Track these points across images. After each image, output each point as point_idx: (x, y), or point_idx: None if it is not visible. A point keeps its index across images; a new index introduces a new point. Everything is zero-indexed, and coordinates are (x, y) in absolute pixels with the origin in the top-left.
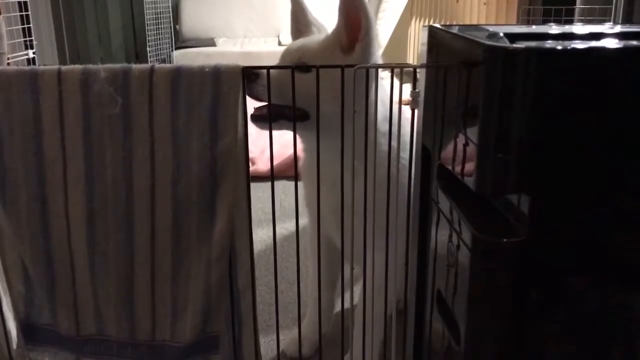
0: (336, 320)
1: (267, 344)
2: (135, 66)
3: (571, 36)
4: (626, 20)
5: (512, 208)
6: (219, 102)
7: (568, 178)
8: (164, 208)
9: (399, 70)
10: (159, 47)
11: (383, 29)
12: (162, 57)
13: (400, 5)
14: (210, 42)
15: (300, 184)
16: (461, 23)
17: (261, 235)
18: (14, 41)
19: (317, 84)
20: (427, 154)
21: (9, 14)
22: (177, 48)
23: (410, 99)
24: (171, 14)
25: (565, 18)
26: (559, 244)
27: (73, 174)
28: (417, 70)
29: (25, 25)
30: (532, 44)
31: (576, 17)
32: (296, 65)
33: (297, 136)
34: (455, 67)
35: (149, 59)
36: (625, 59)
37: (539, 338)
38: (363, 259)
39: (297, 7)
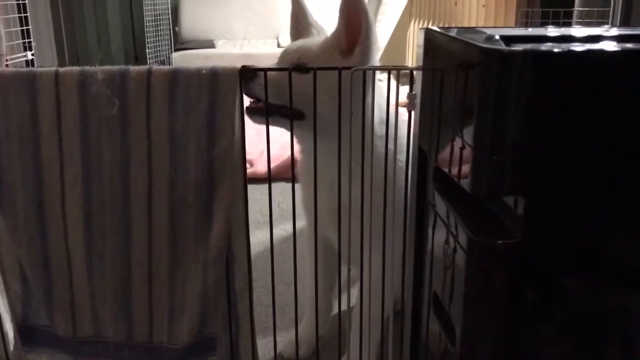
0: (334, 322)
1: (264, 346)
2: (133, 68)
3: (567, 39)
4: (624, 23)
5: (507, 210)
6: (216, 104)
7: (563, 180)
8: (161, 210)
9: (397, 72)
10: (158, 48)
11: (382, 31)
12: (162, 58)
13: (399, 8)
14: (210, 44)
15: (298, 185)
16: (460, 25)
17: (259, 237)
18: (12, 43)
19: (314, 86)
20: (423, 156)
21: (8, 16)
22: (176, 50)
23: (407, 101)
24: (170, 16)
25: (564, 20)
26: (554, 246)
27: (70, 176)
28: (414, 72)
29: (24, 27)
30: (528, 46)
31: (574, 19)
32: (293, 67)
33: (295, 138)
34: (451, 70)
35: (148, 61)
36: (620, 61)
37: (534, 340)
38: (360, 261)
39: (297, 9)
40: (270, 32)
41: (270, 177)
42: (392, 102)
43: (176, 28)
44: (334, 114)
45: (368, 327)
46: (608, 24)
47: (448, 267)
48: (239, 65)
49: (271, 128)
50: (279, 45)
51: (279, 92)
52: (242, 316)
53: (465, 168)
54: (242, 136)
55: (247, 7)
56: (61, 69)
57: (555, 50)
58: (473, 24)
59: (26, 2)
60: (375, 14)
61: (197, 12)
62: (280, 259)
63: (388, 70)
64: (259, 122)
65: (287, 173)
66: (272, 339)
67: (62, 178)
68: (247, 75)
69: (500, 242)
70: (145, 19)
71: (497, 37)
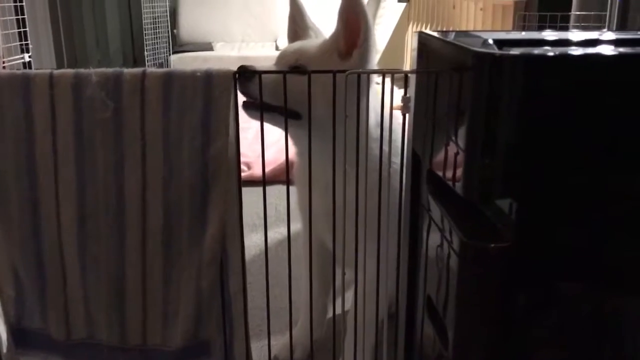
0: (329, 325)
1: (259, 349)
2: (127, 70)
3: (560, 42)
4: (620, 27)
5: (500, 213)
6: (211, 107)
7: (554, 184)
8: (155, 212)
9: (392, 75)
10: (156, 51)
11: (380, 34)
12: (160, 61)
13: (397, 11)
14: (208, 47)
15: (294, 188)
16: (458, 29)
17: (255, 240)
18: (9, 45)
19: (308, 89)
20: (417, 159)
21: (5, 18)
22: (174, 52)
23: (402, 104)
24: (169, 18)
25: (561, 24)
26: (546, 250)
27: (64, 178)
28: (409, 75)
29: (22, 29)
30: (520, 50)
31: (571, 23)
32: (288, 70)
33: (291, 140)
34: (445, 73)
35: (146, 63)
36: (613, 65)
37: (526, 344)
38: (355, 264)
39: (295, 10)
40: (268, 34)
41: (264, 180)
42: (388, 105)
43: (174, 30)
44: (330, 117)
45: (363, 331)
46: (604, 28)
47: (441, 271)
48: (236, 67)
49: (269, 131)
50: (277, 48)
51: (276, 92)
52: (236, 319)
53: (458, 171)
54: (236, 138)
55: (245, 10)
56: (56, 71)
57: (548, 53)
58: (471, 28)
59: (24, 4)
60: (374, 16)
61: (196, 15)
62: (277, 262)
63: (382, 73)
64: (254, 117)
65: (284, 176)
66: (267, 342)
67: (56, 180)
68: (245, 75)
69: (492, 245)
70: (143, 21)
71: (491, 40)
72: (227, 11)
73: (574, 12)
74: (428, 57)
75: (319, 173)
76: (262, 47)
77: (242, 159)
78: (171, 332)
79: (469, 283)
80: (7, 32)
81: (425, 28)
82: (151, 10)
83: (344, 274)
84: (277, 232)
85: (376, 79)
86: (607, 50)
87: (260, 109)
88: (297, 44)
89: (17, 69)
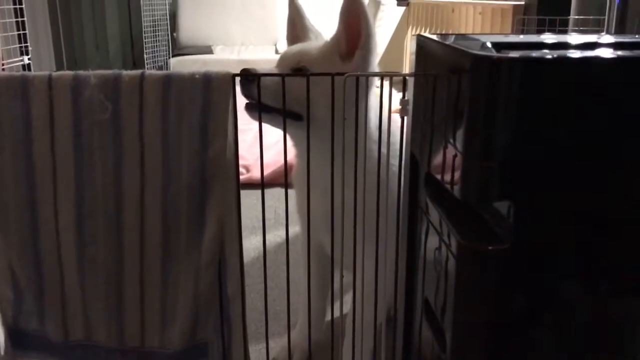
0: (328, 328)
1: (258, 352)
2: (126, 73)
3: (558, 46)
4: (619, 30)
5: (497, 216)
6: (209, 109)
7: (551, 186)
8: (154, 214)
9: (390, 78)
10: (156, 54)
11: (380, 37)
12: (159, 64)
13: (397, 14)
14: (208, 50)
15: (293, 191)
16: (457, 32)
17: (255, 243)
18: (9, 47)
19: (307, 91)
20: (415, 162)
21: (5, 20)
22: (174, 55)
23: (400, 107)
24: (168, 22)
25: (560, 28)
26: (543, 252)
27: (63, 179)
28: (407, 78)
29: (21, 32)
30: (517, 53)
31: (570, 26)
32: (287, 73)
33: (291, 142)
34: (443, 76)
35: (146, 66)
36: (609, 68)
37: (523, 345)
38: (353, 267)
39: (294, 13)
40: (268, 38)
41: (263, 182)
42: (388, 108)
43: (174, 34)
44: (332, 118)
45: (361, 334)
46: (603, 32)
47: (439, 273)
48: (235, 71)
49: (268, 134)
50: (276, 51)
51: (279, 94)
52: (234, 322)
53: (455, 174)
54: (235, 141)
55: (245, 13)
56: (54, 73)
57: (545, 56)
58: (470, 31)
59: (23, 6)
60: (373, 19)
61: (195, 18)
62: (276, 264)
63: (381, 76)
64: (257, 118)
65: (283, 179)
66: (265, 344)
67: (55, 181)
68: (247, 78)
69: (490, 247)
70: (143, 24)
71: (489, 43)
72: (227, 14)
73: (573, 16)
74: (426, 60)
75: (319, 175)
76: (262, 51)
77: (241, 161)
78: (169, 334)
79: (466, 285)
80: (6, 34)
81: (425, 31)
82: (151, 13)
83: (341, 276)
84: (277, 235)
85: (376, 81)
86: (604, 53)
87: (259, 113)
88: (299, 46)
89: (16, 71)
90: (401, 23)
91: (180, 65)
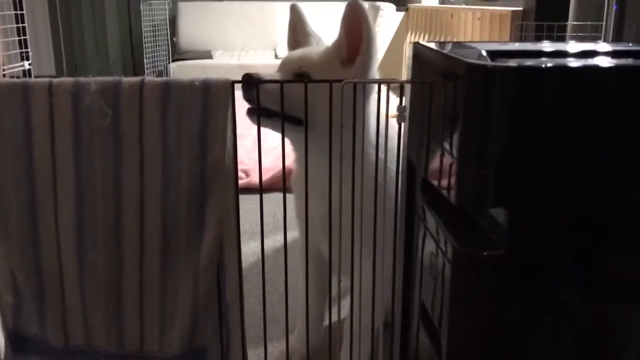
0: (326, 332)
1: (256, 356)
2: (126, 79)
3: (552, 54)
4: (616, 37)
5: (492, 222)
6: (208, 115)
7: (546, 193)
8: (153, 219)
9: (387, 85)
10: (156, 59)
11: (379, 43)
12: (159, 69)
13: (396, 19)
14: (207, 55)
15: (292, 196)
16: (455, 37)
17: (254, 248)
18: (10, 52)
19: (305, 97)
20: (412, 168)
21: (5, 26)
22: (174, 60)
23: (397, 113)
24: (168, 27)
25: (558, 34)
26: (537, 257)
27: (63, 185)
28: (404, 85)
29: (22, 37)
30: (511, 62)
31: (568, 33)
32: (289, 78)
33: (291, 146)
34: (438, 84)
35: (145, 71)
36: (603, 77)
37: (519, 350)
38: (351, 271)
39: (296, 18)
40: (267, 43)
41: (261, 187)
42: (386, 114)
43: (174, 39)
44: (333, 123)
45: (359, 339)
46: (601, 37)
47: (435, 278)
48: (235, 76)
49: (267, 139)
50: (276, 56)
51: (279, 99)
52: (233, 326)
53: (451, 180)
54: (234, 147)
55: (244, 18)
56: (55, 80)
57: (539, 65)
58: (468, 37)
59: (24, 12)
60: (373, 23)
61: (195, 23)
62: (275, 269)
63: (379, 83)
64: (261, 125)
65: (282, 183)
66: (263, 349)
67: (55, 187)
68: (249, 82)
69: (485, 253)
70: (143, 29)
71: (484, 52)
72: (227, 19)
73: (571, 22)
74: (422, 68)
75: (318, 180)
76: (262, 56)
77: (240, 166)
78: (168, 339)
79: (461, 290)
80: (7, 39)
81: (424, 37)
82: (151, 18)
83: (339, 281)
84: (276, 240)
85: (376, 87)
86: (597, 62)
87: (258, 118)
88: (300, 51)
89: (17, 77)
90: (400, 28)
91: (180, 70)
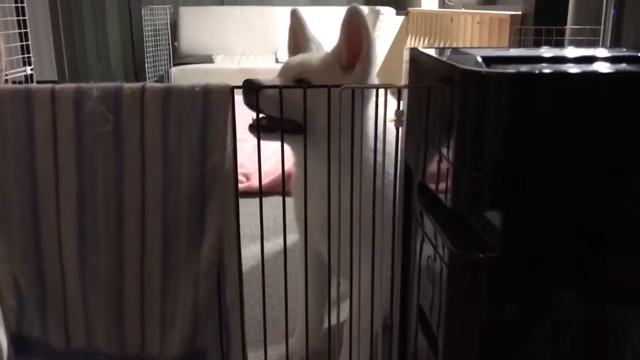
0: (326, 335)
1: (257, 359)
2: (127, 85)
3: (547, 60)
4: (615, 41)
5: (488, 225)
6: (209, 121)
7: (540, 196)
8: (154, 223)
9: (385, 90)
10: (157, 63)
11: (379, 47)
12: (160, 73)
13: (395, 24)
14: (208, 59)
15: (291, 199)
16: (455, 41)
17: (254, 251)
18: (12, 58)
19: (304, 103)
20: (409, 172)
21: (8, 32)
22: (175, 65)
23: (395, 118)
24: (169, 31)
25: (556, 38)
26: (533, 260)
27: (65, 190)
28: (402, 90)
29: (24, 42)
30: (505, 68)
31: (567, 37)
32: (289, 84)
33: (292, 151)
34: (434, 89)
35: (147, 76)
36: (596, 82)
37: (515, 352)
38: (350, 274)
39: (296, 23)
40: (268, 47)
41: (261, 191)
42: (387, 119)
43: (175, 43)
44: (334, 128)
45: (357, 341)
46: (599, 42)
47: (432, 281)
48: (236, 80)
49: (267, 143)
50: (277, 61)
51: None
52: (233, 329)
53: (447, 184)
54: (234, 151)
55: (245, 23)
56: (57, 86)
57: (532, 71)
58: (468, 41)
59: (26, 18)
60: (373, 28)
61: (196, 28)
62: (275, 272)
63: (376, 88)
64: (263, 139)
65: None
66: (263, 352)
67: (57, 192)
68: (249, 88)
69: (480, 255)
70: (144, 34)
71: (479, 58)
72: (227, 24)
73: (569, 26)
74: (419, 73)
75: (317, 183)
76: (262, 60)
77: (241, 170)
78: (169, 342)
79: (458, 293)
80: (9, 45)
81: (424, 41)
82: (152, 23)
83: (338, 284)
84: (276, 244)
85: (374, 92)
86: (591, 68)
87: (258, 134)
88: (300, 57)
89: (19, 82)
90: (400, 32)
91: (181, 74)
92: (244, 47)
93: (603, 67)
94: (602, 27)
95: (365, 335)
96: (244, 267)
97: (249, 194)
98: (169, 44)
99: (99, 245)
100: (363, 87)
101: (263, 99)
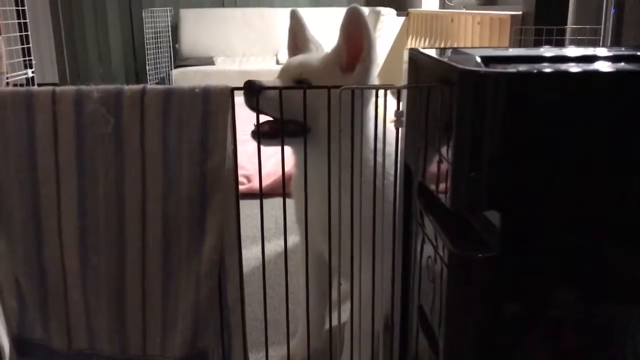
0: (327, 336)
1: None
2: (127, 87)
3: (544, 60)
4: (615, 40)
5: (486, 224)
6: (209, 122)
7: (539, 195)
8: (155, 225)
9: (385, 91)
10: (158, 65)
11: (379, 48)
12: (161, 75)
13: (396, 25)
14: (209, 61)
15: (292, 201)
16: (455, 42)
17: (255, 252)
18: (13, 61)
19: (304, 103)
20: (409, 172)
21: (9, 34)
22: (176, 66)
23: (395, 118)
24: (170, 33)
25: (557, 38)
26: (533, 259)
27: (66, 192)
28: (402, 90)
29: (25, 45)
30: (503, 68)
31: (567, 36)
32: (289, 84)
33: (292, 152)
34: (432, 89)
35: (148, 78)
36: (593, 82)
37: (515, 352)
38: (351, 275)
39: (296, 24)
40: (269, 49)
41: (261, 192)
42: (387, 119)
43: (176, 45)
44: (334, 129)
45: (359, 342)
46: (600, 41)
47: (432, 281)
48: (236, 81)
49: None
50: (277, 62)
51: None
52: (234, 330)
53: (446, 184)
54: (234, 152)
55: (246, 24)
56: (58, 88)
57: (530, 71)
58: (468, 41)
59: (27, 21)
60: (373, 29)
61: (197, 30)
62: (277, 274)
63: (376, 88)
64: (264, 145)
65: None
66: (264, 353)
67: (58, 194)
68: (250, 89)
69: (480, 255)
70: (145, 36)
71: (478, 58)
72: (228, 26)
73: (570, 26)
74: (418, 73)
75: (317, 184)
76: (263, 61)
77: (242, 171)
78: (170, 343)
79: (457, 292)
80: (10, 48)
81: (424, 41)
82: (153, 25)
83: (339, 285)
84: (277, 245)
85: (374, 92)
86: (589, 67)
87: (258, 141)
88: (300, 58)
89: (20, 84)
90: (401, 33)
91: (183, 76)
92: (244, 49)
93: (601, 66)
94: (602, 27)
95: (367, 335)
96: (245, 268)
97: (250, 195)
98: (169, 46)
99: (100, 246)
100: (362, 88)
101: (264, 100)
